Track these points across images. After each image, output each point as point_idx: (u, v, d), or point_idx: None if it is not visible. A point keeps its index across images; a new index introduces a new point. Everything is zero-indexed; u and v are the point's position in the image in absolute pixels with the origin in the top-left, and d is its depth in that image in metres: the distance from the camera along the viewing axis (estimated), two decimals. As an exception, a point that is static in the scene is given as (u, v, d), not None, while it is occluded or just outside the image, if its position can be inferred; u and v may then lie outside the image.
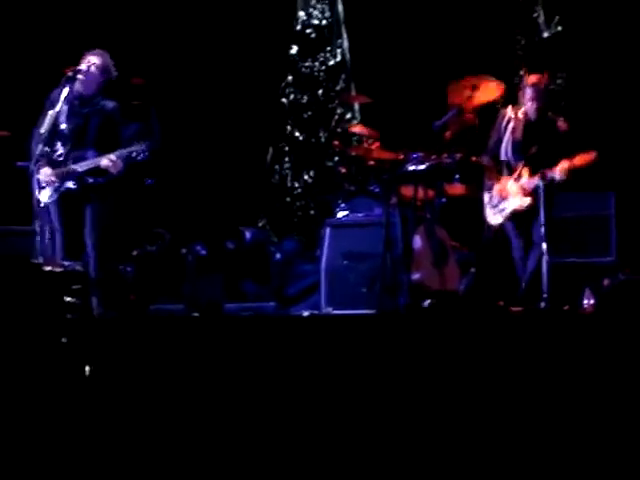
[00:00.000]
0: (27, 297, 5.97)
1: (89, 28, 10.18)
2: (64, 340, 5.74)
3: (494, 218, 7.97)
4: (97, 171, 7.29)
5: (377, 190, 9.04)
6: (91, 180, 7.28)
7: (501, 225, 7.95)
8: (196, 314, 8.50)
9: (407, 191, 8.45)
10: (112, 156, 7.19)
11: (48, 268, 6.62)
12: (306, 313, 8.32)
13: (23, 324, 5.78)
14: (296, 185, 10.57)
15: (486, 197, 8.05)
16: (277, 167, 11.02)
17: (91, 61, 7.31)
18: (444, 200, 8.56)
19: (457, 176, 8.54)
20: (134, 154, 7.28)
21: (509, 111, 8.02)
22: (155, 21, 10.94)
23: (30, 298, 5.97)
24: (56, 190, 7.26)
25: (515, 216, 7.89)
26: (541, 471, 4.81)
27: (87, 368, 5.62)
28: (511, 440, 4.97)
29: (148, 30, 10.79)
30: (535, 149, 7.81)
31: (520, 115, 7.95)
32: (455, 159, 8.38)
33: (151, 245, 9.49)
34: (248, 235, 10.10)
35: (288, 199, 10.91)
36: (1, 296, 5.90)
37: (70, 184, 7.26)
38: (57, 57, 8.63)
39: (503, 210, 7.91)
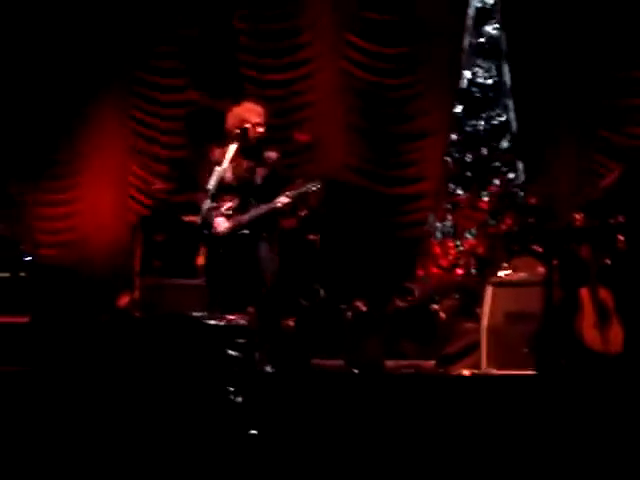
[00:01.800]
0: (191, 352, 6.11)
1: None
2: (235, 398, 5.86)
3: None
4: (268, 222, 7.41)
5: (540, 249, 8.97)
6: (262, 229, 7.39)
7: None
8: (356, 370, 8.54)
9: (574, 250, 8.37)
10: (284, 196, 7.33)
11: (212, 322, 6.77)
12: (467, 372, 8.27)
13: (188, 379, 5.93)
14: (457, 243, 10.54)
15: None
16: (438, 225, 11.02)
17: (251, 118, 7.43)
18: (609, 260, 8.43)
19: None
20: (305, 191, 7.42)
21: None
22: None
23: (194, 353, 6.12)
24: (227, 241, 7.39)
25: None
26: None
27: (252, 431, 5.71)
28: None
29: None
30: None
31: None
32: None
33: (307, 301, 9.60)
34: (415, 292, 10.13)
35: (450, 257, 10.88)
36: (167, 352, 6.06)
37: (245, 231, 7.39)
38: None
39: None
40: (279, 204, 7.33)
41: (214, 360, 6.19)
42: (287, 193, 7.34)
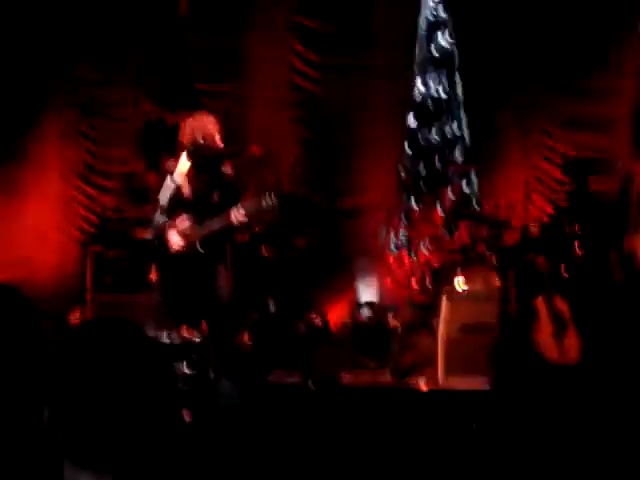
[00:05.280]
0: (140, 368, 6.00)
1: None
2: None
3: None
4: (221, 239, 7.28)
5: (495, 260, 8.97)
6: (216, 247, 7.27)
7: None
8: (312, 385, 8.47)
9: (530, 260, 8.38)
10: (240, 209, 7.15)
11: (165, 339, 6.67)
12: (423, 385, 8.25)
13: (134, 395, 5.81)
14: (412, 255, 10.51)
15: None
16: (393, 237, 11.00)
17: (203, 130, 7.31)
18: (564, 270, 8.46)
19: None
20: (260, 205, 7.24)
21: None
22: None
23: (143, 369, 6.00)
24: (181, 257, 7.27)
25: None
26: None
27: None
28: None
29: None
30: None
31: None
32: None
33: (260, 315, 9.53)
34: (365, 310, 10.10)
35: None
36: (113, 366, 5.93)
37: (199, 249, 7.24)
38: None
39: None
40: (234, 220, 7.17)
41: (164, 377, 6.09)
42: (242, 210, 7.15)
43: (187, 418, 5.88)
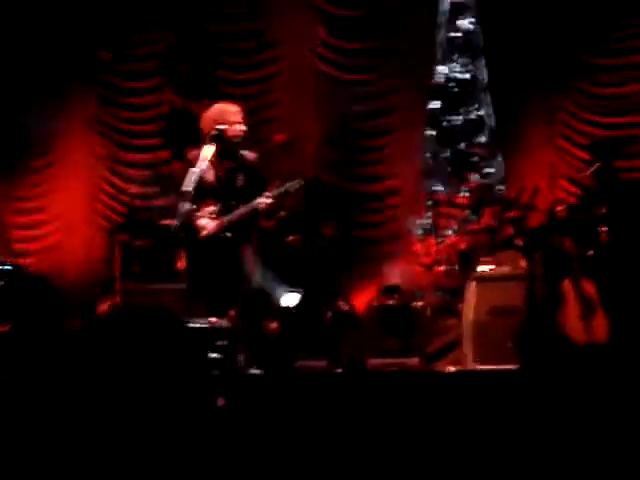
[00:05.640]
0: (172, 353, 6.03)
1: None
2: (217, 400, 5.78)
3: None
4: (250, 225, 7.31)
5: (522, 243, 8.95)
6: (244, 232, 7.29)
7: None
8: (339, 370, 8.49)
9: (556, 243, 8.36)
10: (265, 196, 7.19)
11: (195, 325, 6.69)
12: (452, 368, 8.24)
13: (168, 380, 5.85)
14: (439, 240, 10.49)
15: None
16: (418, 222, 10.99)
17: (229, 118, 7.33)
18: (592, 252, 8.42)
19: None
20: (286, 190, 7.31)
21: None
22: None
23: (175, 354, 6.04)
24: (209, 245, 7.29)
25: None
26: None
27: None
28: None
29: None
30: None
31: None
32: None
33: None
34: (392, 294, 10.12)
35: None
36: (146, 352, 5.98)
37: (227, 234, 7.28)
38: None
39: None
40: (261, 205, 7.21)
41: (195, 363, 6.12)
42: (268, 194, 7.22)
43: (220, 402, 5.91)
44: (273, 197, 7.21)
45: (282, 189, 7.29)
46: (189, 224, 7.16)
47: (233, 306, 7.28)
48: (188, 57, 11.60)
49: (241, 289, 7.27)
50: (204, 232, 7.19)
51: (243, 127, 7.30)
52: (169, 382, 5.95)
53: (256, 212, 7.24)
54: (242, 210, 7.21)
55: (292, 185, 7.33)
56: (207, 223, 7.20)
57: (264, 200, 7.18)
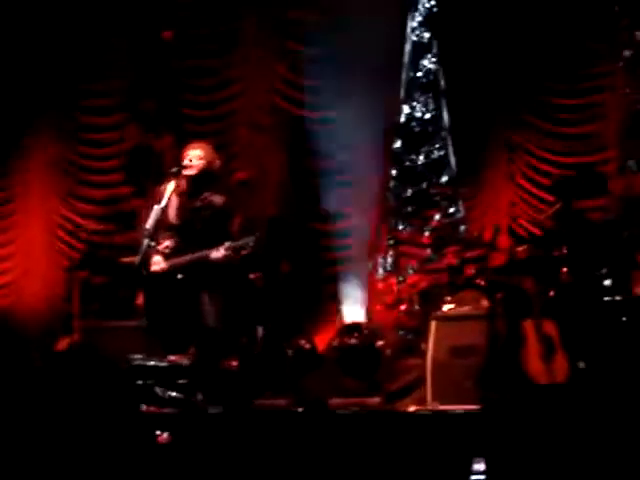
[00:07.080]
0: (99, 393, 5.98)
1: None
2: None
3: None
4: (206, 264, 7.27)
5: (483, 283, 8.95)
6: (200, 272, 7.25)
7: None
8: (300, 409, 8.43)
9: (518, 282, 8.37)
10: (222, 249, 7.17)
11: (152, 363, 6.65)
12: (412, 408, 8.20)
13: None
14: (400, 279, 10.47)
15: None
16: (381, 260, 10.98)
17: (193, 155, 7.35)
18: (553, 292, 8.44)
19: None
20: (241, 246, 7.27)
21: None
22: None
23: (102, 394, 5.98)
24: (165, 282, 7.25)
25: None
26: None
27: None
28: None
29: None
30: None
31: None
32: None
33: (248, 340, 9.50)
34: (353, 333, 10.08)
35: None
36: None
37: (179, 276, 7.25)
38: None
39: None
40: (212, 256, 7.17)
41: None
42: (225, 245, 7.17)
43: (163, 439, 5.86)
44: (226, 250, 7.16)
45: (238, 244, 7.24)
46: (146, 260, 7.14)
47: (191, 344, 7.23)
48: (152, 93, 11.57)
49: (199, 327, 7.22)
50: (154, 267, 7.17)
51: (205, 165, 7.34)
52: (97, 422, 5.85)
53: (206, 261, 7.19)
54: (191, 256, 7.20)
55: (248, 241, 7.26)
56: (159, 260, 7.18)
57: (216, 253, 7.14)
